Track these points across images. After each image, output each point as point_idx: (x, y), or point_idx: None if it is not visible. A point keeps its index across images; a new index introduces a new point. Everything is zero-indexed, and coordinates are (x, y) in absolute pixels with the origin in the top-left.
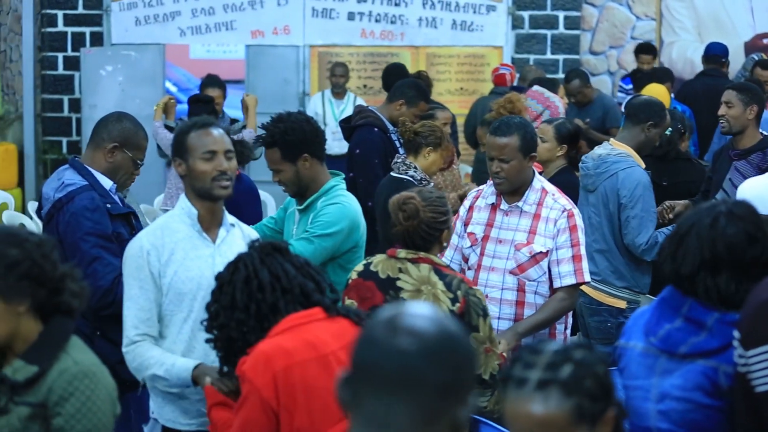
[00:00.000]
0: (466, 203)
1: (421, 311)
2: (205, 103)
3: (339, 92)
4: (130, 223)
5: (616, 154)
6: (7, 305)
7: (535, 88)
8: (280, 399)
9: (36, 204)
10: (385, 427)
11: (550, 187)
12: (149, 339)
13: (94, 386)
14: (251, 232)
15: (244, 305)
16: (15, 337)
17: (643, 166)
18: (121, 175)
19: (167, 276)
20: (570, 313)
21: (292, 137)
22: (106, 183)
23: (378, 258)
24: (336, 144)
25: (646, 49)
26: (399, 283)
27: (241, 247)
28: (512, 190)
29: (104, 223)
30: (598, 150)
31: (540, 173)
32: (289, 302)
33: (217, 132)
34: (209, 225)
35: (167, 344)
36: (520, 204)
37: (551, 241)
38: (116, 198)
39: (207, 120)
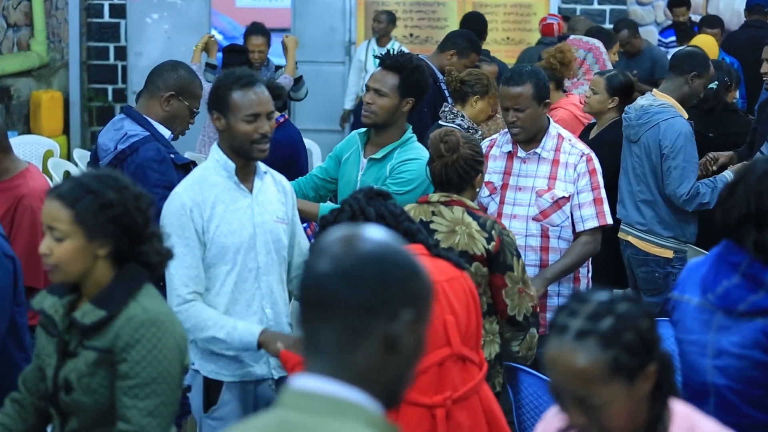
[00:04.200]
0: None
1: (343, 232)
2: (239, 53)
3: (383, 40)
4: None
5: (659, 104)
6: (88, 243)
7: (572, 36)
8: None
9: (81, 151)
10: (316, 347)
11: (566, 134)
12: (199, 297)
13: (161, 334)
14: (281, 178)
15: None
16: (88, 280)
17: (686, 116)
18: (177, 124)
19: (210, 231)
20: (591, 258)
21: (418, 76)
22: (165, 132)
23: (408, 206)
24: None
25: (678, 2)
26: (432, 226)
27: (275, 194)
28: (529, 139)
29: (171, 174)
30: (641, 101)
31: (592, 125)
32: None
33: (261, 91)
34: (245, 176)
35: (210, 297)
36: (538, 150)
37: (572, 185)
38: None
39: (251, 77)
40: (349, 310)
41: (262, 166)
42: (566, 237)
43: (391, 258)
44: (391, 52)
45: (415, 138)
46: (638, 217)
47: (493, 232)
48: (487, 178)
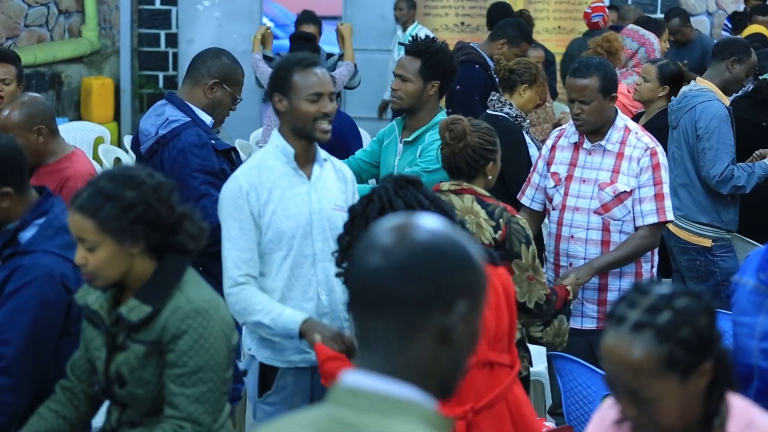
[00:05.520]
0: (549, 142)
1: (394, 222)
2: (306, 41)
3: (406, 26)
4: (230, 159)
5: (697, 89)
6: (119, 246)
7: (630, 26)
8: None
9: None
10: (368, 341)
11: (633, 126)
12: (252, 281)
13: (207, 323)
14: (342, 166)
15: None
16: (130, 276)
17: (727, 102)
18: (219, 110)
19: (266, 215)
20: (656, 251)
21: (439, 59)
22: (206, 119)
23: None
24: None
25: None
26: None
27: (334, 181)
28: (594, 131)
29: (211, 159)
30: (684, 88)
31: (642, 113)
32: None
33: (322, 72)
34: (304, 162)
35: (267, 282)
36: (603, 143)
37: (634, 179)
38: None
39: (312, 58)
40: (403, 305)
41: (322, 153)
42: (628, 231)
43: (444, 248)
44: (412, 37)
45: None
46: (675, 202)
47: (500, 221)
48: (553, 168)
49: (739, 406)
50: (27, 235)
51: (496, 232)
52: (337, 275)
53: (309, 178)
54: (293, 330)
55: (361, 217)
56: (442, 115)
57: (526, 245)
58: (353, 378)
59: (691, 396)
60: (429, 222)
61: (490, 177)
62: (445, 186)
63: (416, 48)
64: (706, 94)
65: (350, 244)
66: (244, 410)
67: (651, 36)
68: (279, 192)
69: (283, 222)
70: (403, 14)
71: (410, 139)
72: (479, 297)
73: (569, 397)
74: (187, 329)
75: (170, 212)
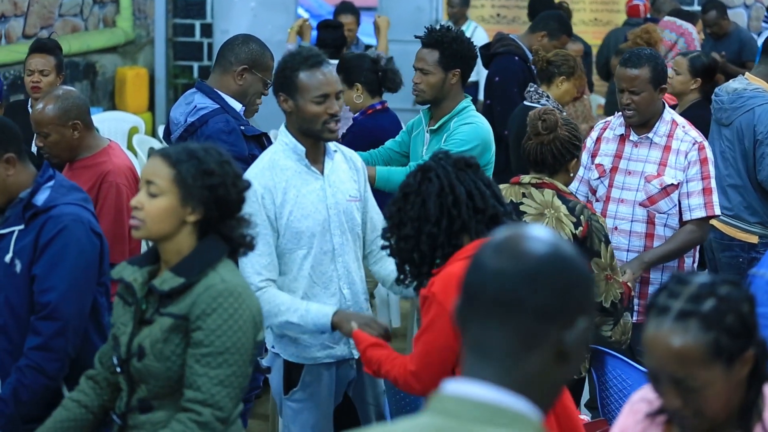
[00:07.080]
0: (593, 134)
1: (530, 233)
2: (334, 29)
3: (459, 23)
4: (262, 145)
5: (753, 89)
6: (181, 205)
7: (667, 18)
8: None
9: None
10: (484, 350)
11: (681, 120)
12: (272, 284)
13: (238, 305)
14: (352, 154)
15: (436, 219)
16: (170, 247)
17: None
18: (250, 96)
19: (283, 217)
20: (697, 247)
21: (456, 47)
22: (236, 106)
23: (502, 186)
24: None
25: None
26: (522, 208)
27: (346, 172)
28: (642, 122)
29: (240, 145)
30: (734, 84)
31: (674, 106)
32: (479, 222)
33: (329, 71)
34: (315, 157)
35: (288, 282)
36: (650, 135)
37: (682, 173)
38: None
39: (318, 57)
40: (529, 314)
41: (331, 144)
42: (672, 225)
43: (569, 263)
44: (427, 28)
45: (471, 108)
46: (724, 202)
47: (581, 218)
48: (598, 160)
49: None
50: (42, 197)
51: (576, 228)
52: (382, 248)
53: (322, 173)
54: (324, 324)
55: (416, 195)
56: (465, 103)
57: (606, 244)
58: (462, 387)
59: (734, 384)
60: (546, 233)
61: (571, 174)
62: (526, 179)
63: (433, 39)
64: (763, 96)
65: (403, 222)
66: (275, 406)
67: (689, 26)
68: (294, 191)
69: (301, 222)
70: (455, 12)
71: (435, 127)
72: (593, 314)
73: (604, 390)
74: (218, 308)
75: (237, 202)
